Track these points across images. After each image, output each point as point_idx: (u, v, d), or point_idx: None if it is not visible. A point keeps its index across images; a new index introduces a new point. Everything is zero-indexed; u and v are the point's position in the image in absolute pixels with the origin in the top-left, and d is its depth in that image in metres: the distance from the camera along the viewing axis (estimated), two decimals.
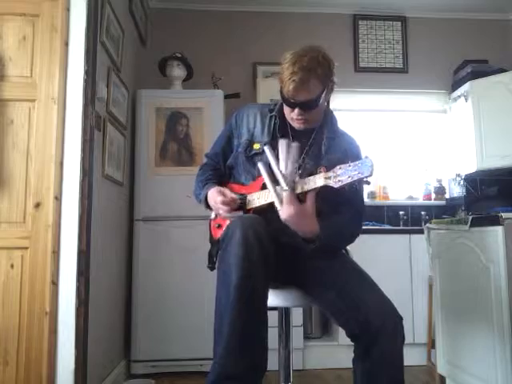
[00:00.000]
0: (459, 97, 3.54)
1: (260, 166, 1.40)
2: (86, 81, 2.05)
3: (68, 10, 2.04)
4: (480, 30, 3.87)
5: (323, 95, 1.44)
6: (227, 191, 1.48)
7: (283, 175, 1.32)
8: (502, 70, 3.40)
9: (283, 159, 1.35)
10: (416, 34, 3.86)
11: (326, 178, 1.25)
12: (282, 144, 1.37)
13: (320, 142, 1.52)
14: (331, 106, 2.99)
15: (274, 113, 1.58)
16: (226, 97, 3.13)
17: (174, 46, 3.30)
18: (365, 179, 1.20)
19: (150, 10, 3.58)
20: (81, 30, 2.05)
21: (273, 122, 1.57)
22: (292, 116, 1.47)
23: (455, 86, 3.67)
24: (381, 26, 3.86)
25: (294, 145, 1.35)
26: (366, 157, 1.20)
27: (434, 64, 3.80)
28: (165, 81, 3.19)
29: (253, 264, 1.20)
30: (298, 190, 1.34)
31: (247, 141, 1.58)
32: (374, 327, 1.23)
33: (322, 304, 1.42)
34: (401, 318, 1.27)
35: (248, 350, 1.18)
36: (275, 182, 1.35)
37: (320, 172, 1.36)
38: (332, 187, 1.24)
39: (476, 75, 3.44)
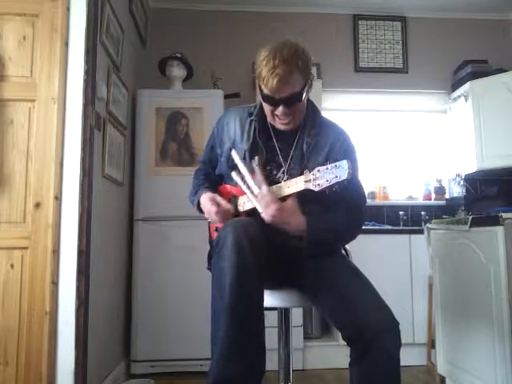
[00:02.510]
0: (459, 97, 3.54)
1: (234, 176, 1.41)
2: (85, 81, 2.05)
3: (68, 9, 2.04)
4: (480, 30, 3.87)
5: (305, 90, 1.39)
6: (220, 199, 1.46)
7: (254, 180, 1.36)
8: (501, 70, 3.40)
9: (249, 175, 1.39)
10: (416, 34, 3.86)
11: (306, 182, 1.25)
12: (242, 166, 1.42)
13: (304, 143, 1.47)
14: (331, 106, 2.96)
15: (253, 117, 1.52)
16: (226, 97, 3.13)
17: (174, 46, 3.30)
18: (344, 182, 1.18)
19: (149, 10, 3.59)
20: (81, 30, 2.05)
21: (253, 127, 1.51)
22: (276, 114, 1.41)
23: (455, 86, 3.67)
24: (381, 26, 3.86)
25: (254, 161, 1.39)
26: (344, 159, 1.17)
27: (434, 64, 3.80)
28: (165, 81, 3.19)
29: (246, 267, 1.19)
30: (282, 194, 1.34)
31: (228, 150, 1.53)
32: (371, 332, 1.21)
33: (319, 306, 1.41)
34: (397, 324, 1.26)
35: (245, 352, 1.18)
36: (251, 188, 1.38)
37: (307, 171, 1.36)
38: (313, 190, 1.24)
39: (476, 75, 3.44)
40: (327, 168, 1.19)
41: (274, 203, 1.30)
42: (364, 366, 1.25)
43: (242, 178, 1.41)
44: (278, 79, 1.32)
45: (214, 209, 1.43)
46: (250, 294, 1.21)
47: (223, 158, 1.56)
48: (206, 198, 1.49)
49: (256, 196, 1.36)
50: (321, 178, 1.20)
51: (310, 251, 1.37)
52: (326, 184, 1.19)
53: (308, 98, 1.50)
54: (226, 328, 1.17)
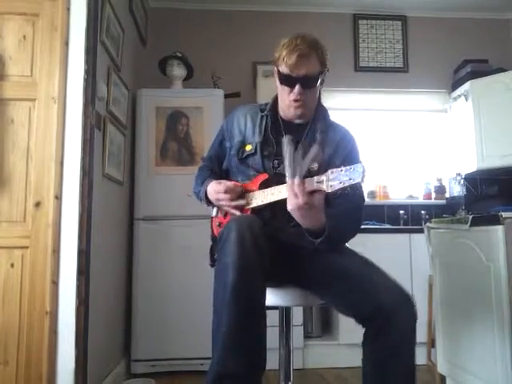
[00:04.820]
0: (459, 96, 3.54)
1: (286, 144, 1.33)
2: (86, 80, 2.05)
3: (68, 9, 2.04)
4: (480, 30, 3.87)
5: (320, 78, 1.47)
6: (227, 181, 1.49)
7: (295, 166, 1.28)
8: (501, 70, 3.41)
9: (289, 155, 1.31)
10: (416, 34, 3.86)
11: (318, 182, 1.23)
12: (288, 140, 1.32)
13: (313, 138, 1.52)
14: (332, 105, 2.99)
15: (265, 112, 1.58)
16: (226, 96, 3.13)
17: (174, 46, 3.30)
18: (357, 185, 1.17)
19: (150, 10, 3.59)
20: (81, 29, 2.05)
21: (264, 122, 1.57)
22: (290, 98, 1.47)
23: (455, 85, 3.67)
24: (381, 26, 3.86)
25: (315, 147, 1.31)
26: (359, 163, 1.18)
27: (434, 63, 3.80)
28: (165, 80, 3.19)
29: (249, 263, 1.19)
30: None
31: (239, 143, 1.58)
32: (388, 307, 1.21)
33: (329, 298, 1.40)
34: (412, 299, 1.25)
35: (246, 348, 1.17)
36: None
37: (312, 169, 1.35)
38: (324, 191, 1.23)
39: (476, 75, 3.44)
40: (341, 170, 1.18)
41: (304, 196, 1.24)
42: (380, 343, 1.23)
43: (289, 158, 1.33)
44: (299, 54, 1.40)
45: (222, 186, 1.45)
46: (252, 291, 1.20)
47: (233, 151, 1.59)
48: (212, 184, 1.51)
49: (287, 180, 1.30)
50: (334, 179, 1.19)
51: (321, 247, 1.35)
52: (340, 186, 1.18)
53: (319, 99, 1.58)
54: (228, 325, 1.17)
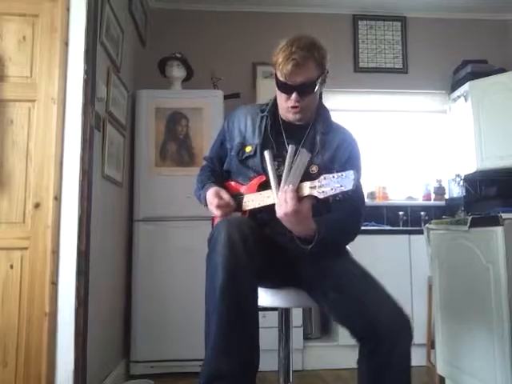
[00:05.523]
0: (459, 97, 3.54)
1: (267, 156, 1.39)
2: (85, 81, 2.04)
3: (68, 10, 2.04)
4: (479, 30, 3.87)
5: (318, 82, 1.44)
6: (224, 193, 1.47)
7: (285, 177, 1.31)
8: (501, 70, 3.41)
9: (289, 164, 1.34)
10: (416, 35, 3.86)
11: (311, 188, 1.24)
12: (291, 149, 1.37)
13: (313, 140, 1.50)
14: (331, 106, 3.00)
15: (265, 113, 1.57)
16: (226, 97, 3.13)
17: (174, 46, 3.30)
18: (348, 192, 1.17)
19: (149, 10, 3.58)
20: (81, 30, 2.05)
21: (264, 123, 1.55)
22: (288, 105, 1.46)
23: (455, 86, 3.67)
24: (380, 27, 3.86)
25: (304, 152, 1.34)
26: (350, 170, 1.17)
27: (434, 64, 3.80)
28: (164, 81, 3.19)
29: (237, 264, 1.19)
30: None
31: (239, 144, 1.57)
32: (384, 328, 1.21)
33: (325, 305, 1.40)
34: (408, 318, 1.25)
35: (237, 348, 1.17)
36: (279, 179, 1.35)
37: (312, 171, 1.35)
38: (316, 197, 1.23)
39: (475, 75, 3.44)
40: (333, 176, 1.19)
41: (293, 203, 1.24)
42: (376, 360, 1.23)
43: (274, 166, 1.38)
44: (294, 64, 1.37)
45: (215, 201, 1.44)
46: (241, 291, 1.20)
47: (233, 152, 1.58)
48: (210, 192, 1.50)
49: (280, 187, 1.31)
50: (326, 185, 1.20)
51: (312, 251, 1.34)
52: (331, 192, 1.18)
53: (320, 99, 1.56)
54: (218, 325, 1.16)
